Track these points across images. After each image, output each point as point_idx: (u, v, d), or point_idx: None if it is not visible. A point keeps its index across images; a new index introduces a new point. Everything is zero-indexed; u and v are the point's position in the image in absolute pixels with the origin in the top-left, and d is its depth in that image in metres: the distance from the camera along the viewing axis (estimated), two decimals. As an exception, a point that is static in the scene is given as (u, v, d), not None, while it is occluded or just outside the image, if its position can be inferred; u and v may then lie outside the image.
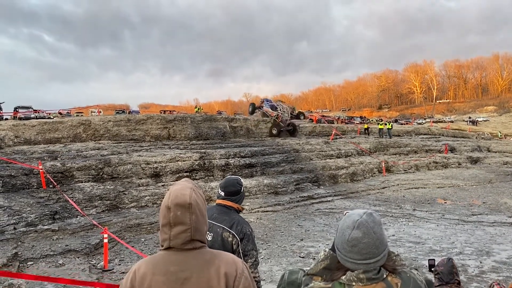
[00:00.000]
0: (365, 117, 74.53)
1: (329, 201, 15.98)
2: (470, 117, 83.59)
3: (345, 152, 23.87)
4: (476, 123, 75.28)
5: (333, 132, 28.95)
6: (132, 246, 9.06)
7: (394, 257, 1.64)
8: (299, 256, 8.87)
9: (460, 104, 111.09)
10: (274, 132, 26.40)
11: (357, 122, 53.13)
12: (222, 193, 3.01)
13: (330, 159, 21.98)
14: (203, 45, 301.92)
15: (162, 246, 1.66)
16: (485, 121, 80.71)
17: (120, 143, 19.07)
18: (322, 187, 18.15)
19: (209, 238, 2.81)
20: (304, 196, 16.00)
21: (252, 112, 29.99)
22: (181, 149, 18.47)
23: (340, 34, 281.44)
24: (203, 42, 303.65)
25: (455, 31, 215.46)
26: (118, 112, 46.11)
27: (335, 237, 1.60)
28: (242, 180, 3.16)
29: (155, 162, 15.51)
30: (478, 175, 23.03)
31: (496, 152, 35.48)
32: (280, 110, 28.04)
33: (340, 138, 28.92)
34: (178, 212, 1.60)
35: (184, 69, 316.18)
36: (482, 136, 49.98)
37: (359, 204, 15.44)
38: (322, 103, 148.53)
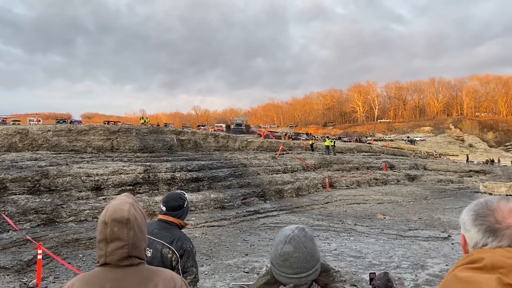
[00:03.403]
0: (311, 133, 76.44)
1: (274, 215, 16.13)
2: (408, 137, 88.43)
3: (291, 168, 24.30)
4: (414, 142, 79.73)
5: (280, 148, 29.41)
6: (69, 263, 8.60)
7: (334, 273, 1.68)
8: (244, 272, 8.83)
9: (400, 124, 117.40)
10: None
11: (303, 138, 54.40)
12: (164, 208, 2.94)
13: (277, 174, 22.27)
14: (159, 56, 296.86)
15: (98, 262, 1.59)
16: (422, 140, 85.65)
17: (60, 154, 18.17)
18: (268, 201, 18.30)
19: (149, 254, 2.73)
20: (251, 211, 16.04)
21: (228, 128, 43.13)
22: (124, 162, 17.92)
23: (295, 53, 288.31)
24: (159, 53, 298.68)
25: (403, 55, 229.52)
26: (58, 122, 43.93)
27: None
28: (186, 195, 3.10)
29: (97, 175, 14.92)
30: (415, 192, 24.29)
31: (431, 170, 37.67)
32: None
33: (287, 153, 29.42)
34: (115, 227, 1.55)
35: (137, 79, 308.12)
36: (419, 154, 52.94)
37: (304, 218, 15.72)
38: (271, 118, 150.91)
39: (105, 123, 40.39)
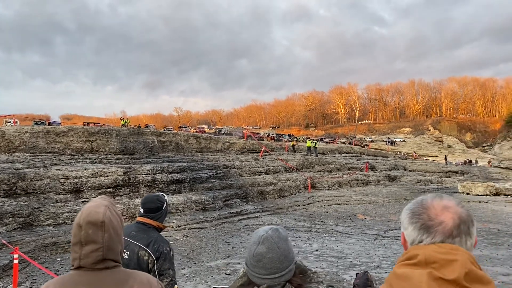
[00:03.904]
0: (293, 135, 76.80)
1: (257, 217, 16.14)
2: (388, 138, 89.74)
3: (274, 169, 24.37)
4: (394, 144, 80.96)
5: (263, 149, 29.46)
6: (46, 267, 8.42)
7: (312, 275, 1.69)
8: (225, 274, 8.80)
9: (380, 125, 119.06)
10: None
11: (286, 139, 54.61)
12: (142, 210, 2.93)
13: (259, 175, 22.29)
14: (141, 56, 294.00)
15: (73, 265, 1.57)
16: (402, 141, 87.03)
17: (38, 156, 17.79)
18: (250, 203, 18.30)
19: (126, 257, 2.70)
20: (233, 212, 16.01)
21: None
22: (104, 164, 17.67)
23: (279, 54, 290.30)
24: (142, 54, 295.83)
25: (385, 57, 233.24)
26: (36, 123, 42.92)
27: None
28: (165, 197, 3.08)
29: (76, 177, 14.67)
30: (395, 192, 24.65)
31: (411, 171, 38.31)
32: None
33: (269, 155, 29.49)
34: (90, 230, 1.53)
35: (118, 80, 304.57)
36: (399, 155, 53.76)
37: (286, 219, 15.78)
38: (253, 120, 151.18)
39: (84, 125, 39.70)
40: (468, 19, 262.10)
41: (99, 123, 53.07)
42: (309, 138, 52.04)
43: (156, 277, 2.63)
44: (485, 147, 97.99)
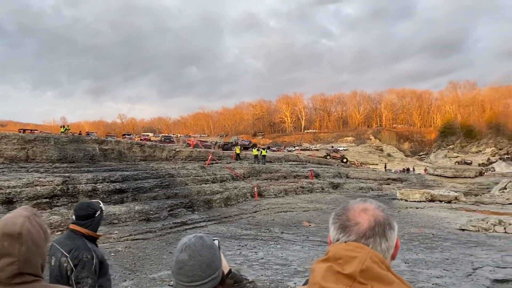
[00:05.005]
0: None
1: (202, 226, 15.94)
2: (332, 146, 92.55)
3: (221, 177, 24.27)
4: (338, 152, 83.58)
5: (209, 157, 29.27)
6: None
7: (248, 284, 1.69)
8: (168, 285, 8.58)
9: (325, 134, 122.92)
10: None
11: (234, 148, 54.63)
12: (74, 217, 2.89)
13: (206, 184, 22.10)
14: (86, 61, 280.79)
15: (-12, 281, 1.45)
16: (345, 150, 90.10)
17: (-36, 165, 16.50)
18: (196, 212, 18.06)
19: (52, 263, 2.70)
20: (178, 222, 15.70)
21: None
22: (41, 173, 16.71)
23: (229, 62, 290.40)
24: (86, 58, 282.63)
25: (332, 69, 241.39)
26: (-36, 129, 39.92)
27: None
28: (100, 205, 3.01)
29: (8, 187, 13.74)
30: (338, 199, 25.41)
31: (353, 178, 39.72)
32: None
33: (216, 163, 29.35)
34: (6, 242, 1.43)
35: (60, 85, 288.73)
36: (342, 163, 55.58)
37: (232, 228, 15.72)
38: (201, 128, 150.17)
39: (20, 131, 37.44)
40: (409, 34, 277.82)
41: (36, 130, 50.15)
42: (256, 146, 52.45)
43: (74, 285, 2.61)
44: (422, 156, 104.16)
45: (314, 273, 1.08)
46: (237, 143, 52.02)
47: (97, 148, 23.53)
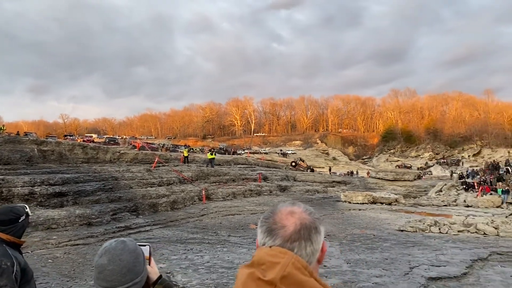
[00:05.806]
0: (189, 145, 76.19)
1: (147, 230, 15.55)
2: (281, 150, 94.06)
3: (167, 180, 23.82)
4: (286, 155, 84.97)
5: (156, 160, 28.65)
6: None
7: None
8: (109, 292, 8.29)
9: (274, 138, 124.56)
10: None
11: (181, 150, 53.90)
12: None
13: (152, 187, 21.59)
14: (27, 58, 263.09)
15: None
16: (293, 153, 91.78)
17: None
18: (141, 216, 17.59)
19: None
20: (121, 227, 15.21)
21: None
22: (-29, 175, 15.56)
23: (180, 64, 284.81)
24: (27, 55, 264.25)
25: (282, 73, 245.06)
26: None
27: None
28: (26, 209, 2.86)
29: None
30: (286, 202, 25.75)
31: (300, 181, 40.51)
32: None
33: (163, 166, 28.77)
34: None
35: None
36: (290, 167, 56.53)
37: (178, 232, 15.47)
38: (148, 130, 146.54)
39: None
40: (357, 42, 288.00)
41: (-33, 129, 46.60)
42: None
43: None
44: (365, 160, 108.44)
45: (237, 279, 1.07)
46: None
47: (35, 149, 22.26)
